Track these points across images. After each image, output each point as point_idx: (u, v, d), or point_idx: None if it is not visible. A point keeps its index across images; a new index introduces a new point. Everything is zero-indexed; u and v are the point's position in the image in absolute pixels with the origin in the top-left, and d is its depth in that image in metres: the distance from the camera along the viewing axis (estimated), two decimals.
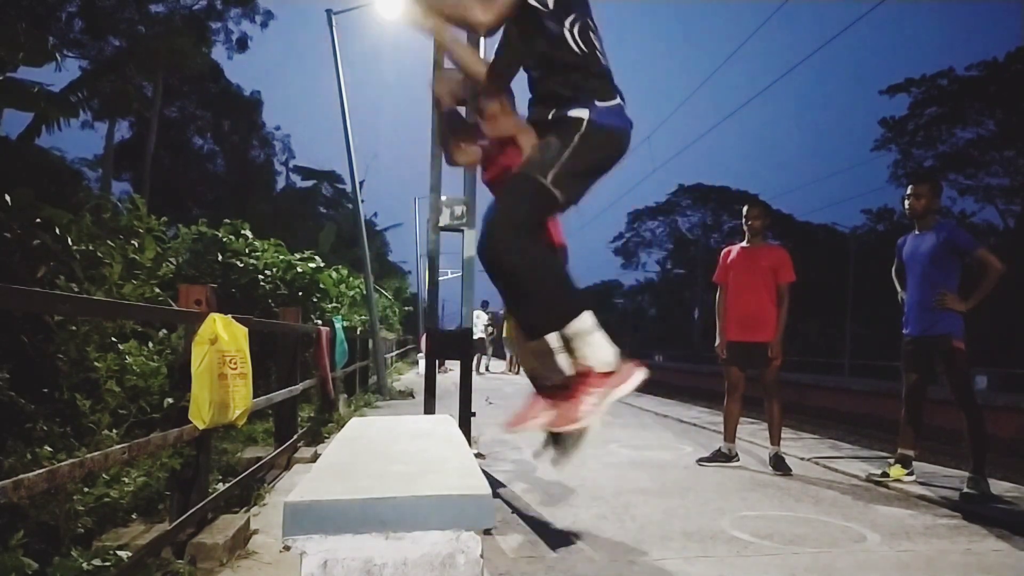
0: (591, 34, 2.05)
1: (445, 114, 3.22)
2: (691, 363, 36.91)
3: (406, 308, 31.72)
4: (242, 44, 28.94)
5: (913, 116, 33.55)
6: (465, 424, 4.43)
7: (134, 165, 25.48)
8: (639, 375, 1.89)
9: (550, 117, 2.03)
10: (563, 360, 1.96)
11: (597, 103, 1.98)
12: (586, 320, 1.84)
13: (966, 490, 3.81)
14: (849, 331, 28.77)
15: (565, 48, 1.99)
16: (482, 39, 4.93)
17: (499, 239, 1.86)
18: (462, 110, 3.33)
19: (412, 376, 15.98)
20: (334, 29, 10.27)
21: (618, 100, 2.05)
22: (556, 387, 1.98)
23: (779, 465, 4.55)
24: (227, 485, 3.44)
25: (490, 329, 17.21)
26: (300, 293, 8.19)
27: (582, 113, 1.96)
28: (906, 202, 4.26)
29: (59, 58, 10.93)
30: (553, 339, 1.89)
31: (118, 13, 24.72)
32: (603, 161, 2.03)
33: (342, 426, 3.96)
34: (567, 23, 2.00)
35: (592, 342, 1.84)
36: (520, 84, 2.29)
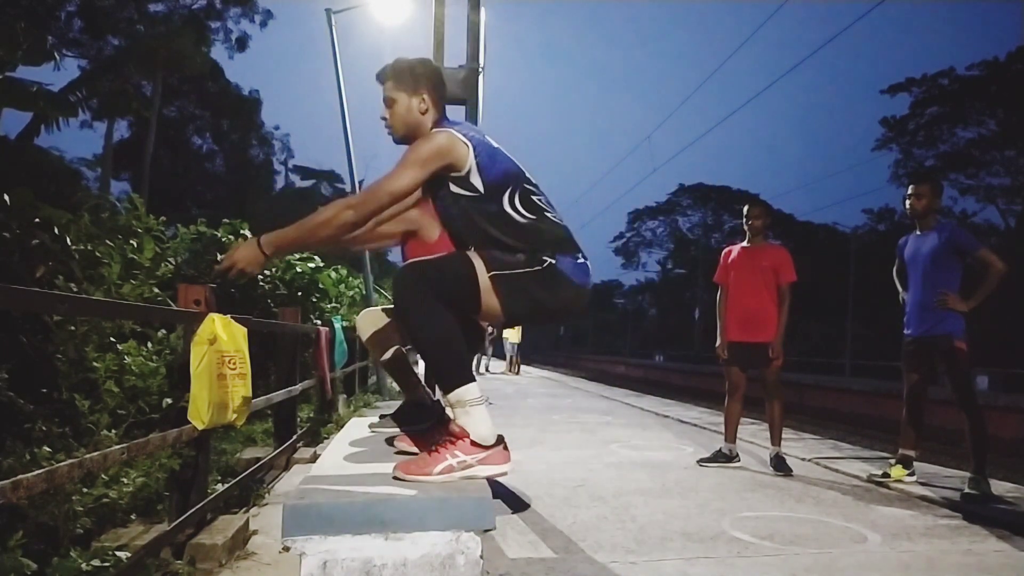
0: (533, 198, 2.02)
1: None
2: (691, 363, 36.91)
3: None
4: (242, 44, 28.97)
5: (914, 116, 33.56)
6: None
7: (133, 165, 25.48)
8: (506, 467, 1.91)
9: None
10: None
11: (559, 255, 1.97)
12: (472, 391, 1.86)
13: (967, 490, 3.80)
14: (850, 331, 28.76)
15: (510, 223, 1.97)
16: (481, 41, 4.91)
17: (403, 286, 1.87)
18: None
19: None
20: (333, 28, 10.26)
21: (580, 257, 2.03)
22: (431, 437, 1.99)
23: (780, 465, 4.54)
24: (226, 486, 3.44)
25: (490, 329, 17.21)
26: (299, 293, 8.19)
27: (548, 257, 1.95)
28: (907, 202, 4.25)
29: (58, 57, 10.93)
30: (450, 399, 1.90)
31: (117, 13, 24.73)
32: (553, 304, 1.98)
33: (342, 426, 3.95)
34: (505, 199, 1.98)
35: (473, 414, 1.85)
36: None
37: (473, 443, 1.81)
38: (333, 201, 1.96)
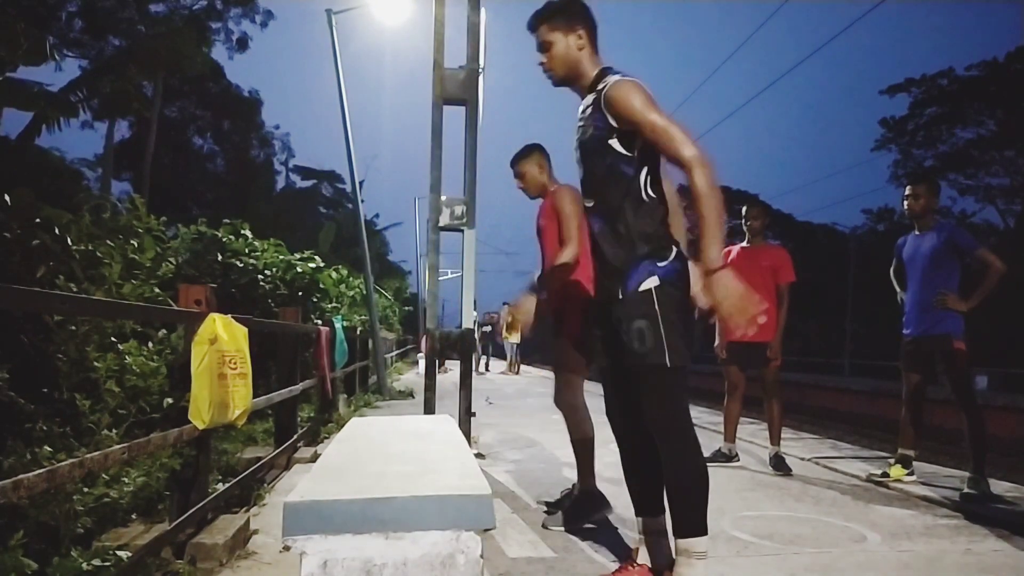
0: (663, 184, 2.08)
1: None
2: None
3: (406, 308, 31.73)
4: (242, 44, 28.95)
5: (913, 116, 33.54)
6: (465, 424, 4.43)
7: (134, 165, 25.47)
8: None
9: (620, 296, 2.06)
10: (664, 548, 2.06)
11: (658, 264, 2.01)
12: (702, 545, 1.92)
13: (966, 490, 3.81)
14: (849, 331, 28.77)
15: (637, 195, 2.02)
16: (481, 42, 4.91)
17: (668, 433, 1.99)
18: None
19: (412, 376, 15.98)
20: (334, 29, 10.26)
21: (674, 251, 2.08)
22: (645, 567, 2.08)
23: (779, 465, 4.54)
24: (227, 485, 3.44)
25: (485, 329, 17.21)
26: (300, 293, 8.19)
27: (651, 282, 1.99)
28: (905, 203, 4.26)
29: (58, 58, 10.93)
30: (679, 544, 1.97)
31: (118, 13, 24.72)
32: (685, 308, 2.06)
33: (342, 426, 3.96)
34: (644, 172, 2.03)
35: (694, 567, 1.91)
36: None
37: None
38: (690, 166, 1.91)
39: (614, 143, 1.99)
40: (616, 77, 2.02)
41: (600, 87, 2.03)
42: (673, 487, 1.99)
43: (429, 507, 1.53)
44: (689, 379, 2.10)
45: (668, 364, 1.96)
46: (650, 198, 2.04)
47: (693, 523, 1.94)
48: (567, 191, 3.16)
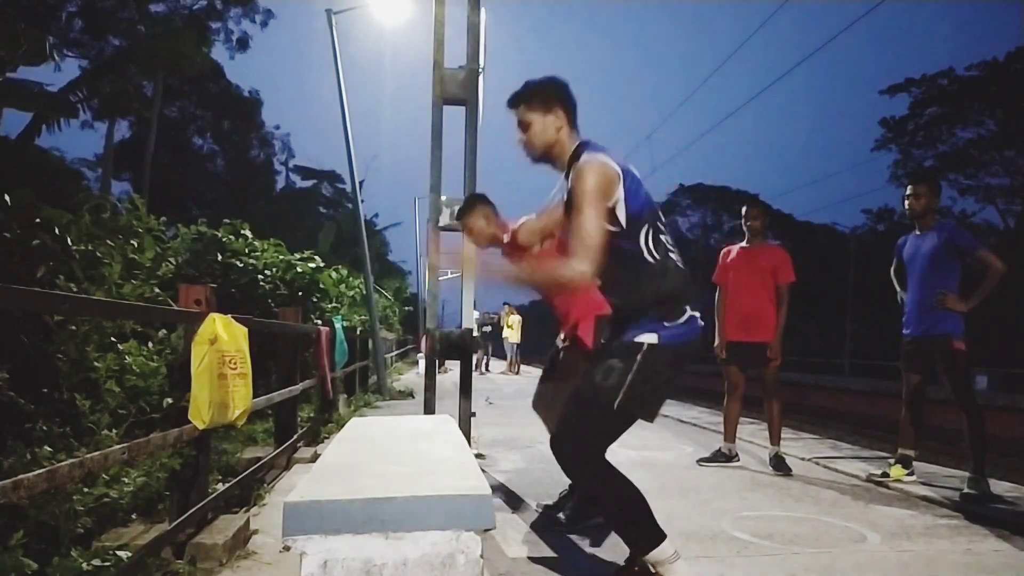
0: (662, 237, 2.04)
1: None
2: (691, 363, 36.83)
3: (406, 308, 31.72)
4: (242, 44, 28.96)
5: (913, 116, 33.56)
6: (465, 424, 4.43)
7: (134, 165, 25.47)
8: None
9: (618, 339, 2.05)
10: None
11: (665, 324, 1.99)
12: (667, 549, 1.91)
13: (966, 490, 3.81)
14: (849, 331, 28.77)
15: (642, 262, 1.99)
16: (481, 42, 4.92)
17: (570, 459, 1.96)
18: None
19: (412, 376, 15.97)
20: (334, 29, 10.26)
21: (687, 314, 2.05)
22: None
23: (779, 465, 4.54)
24: (227, 485, 3.44)
25: (485, 329, 17.20)
26: (300, 293, 8.19)
27: (648, 338, 1.97)
28: (905, 202, 4.26)
29: (58, 58, 10.93)
30: (648, 561, 1.96)
31: (118, 13, 24.72)
32: (671, 371, 2.05)
33: (342, 426, 3.96)
34: (642, 236, 1.99)
35: (674, 571, 1.90)
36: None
37: None
38: (557, 262, 1.98)
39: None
40: (586, 156, 2.02)
41: (574, 163, 2.05)
42: (606, 516, 2.02)
43: (429, 507, 1.53)
44: (619, 429, 2.06)
45: (615, 407, 1.95)
46: (656, 260, 2.02)
47: (643, 539, 1.94)
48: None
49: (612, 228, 1.95)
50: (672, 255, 2.05)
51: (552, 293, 2.29)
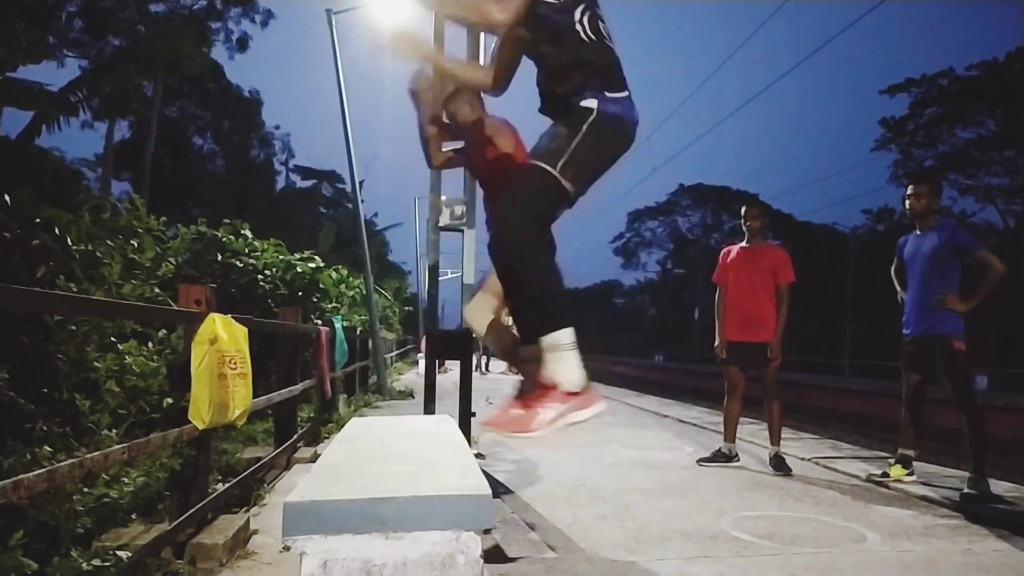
0: (600, 23, 2.04)
1: (425, 118, 3.19)
2: (691, 363, 36.91)
3: (406, 308, 31.73)
4: (242, 44, 28.95)
5: (913, 116, 33.57)
6: (465, 424, 4.43)
7: (134, 165, 25.47)
8: (599, 406, 1.88)
9: (559, 107, 2.03)
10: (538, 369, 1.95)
11: (607, 93, 1.98)
12: (567, 336, 1.84)
13: (966, 490, 3.81)
14: (849, 331, 28.78)
15: (576, 39, 1.99)
16: (481, 42, 4.92)
17: (510, 229, 1.86)
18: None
19: (412, 376, 15.98)
20: (334, 29, 10.27)
21: (626, 92, 2.05)
22: (523, 394, 1.97)
23: (779, 465, 4.54)
24: (227, 485, 3.44)
25: None
26: (300, 293, 8.19)
27: (591, 103, 1.95)
28: (906, 202, 4.26)
29: (58, 58, 10.92)
30: (543, 344, 1.88)
31: (118, 13, 24.72)
32: (611, 152, 2.02)
33: (342, 426, 3.96)
34: (577, 13, 2.00)
35: (565, 359, 1.83)
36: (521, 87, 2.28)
37: (566, 392, 1.80)
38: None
39: None
40: None
41: None
42: (525, 291, 1.92)
43: (429, 507, 1.53)
44: (554, 202, 1.97)
45: (556, 169, 1.91)
46: (591, 39, 2.02)
47: (550, 318, 1.86)
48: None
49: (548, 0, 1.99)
50: (609, 44, 2.06)
51: (460, 82, 2.23)
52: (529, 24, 2.01)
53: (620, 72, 2.07)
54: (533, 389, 1.86)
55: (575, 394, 1.81)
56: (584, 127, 1.94)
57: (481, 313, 2.60)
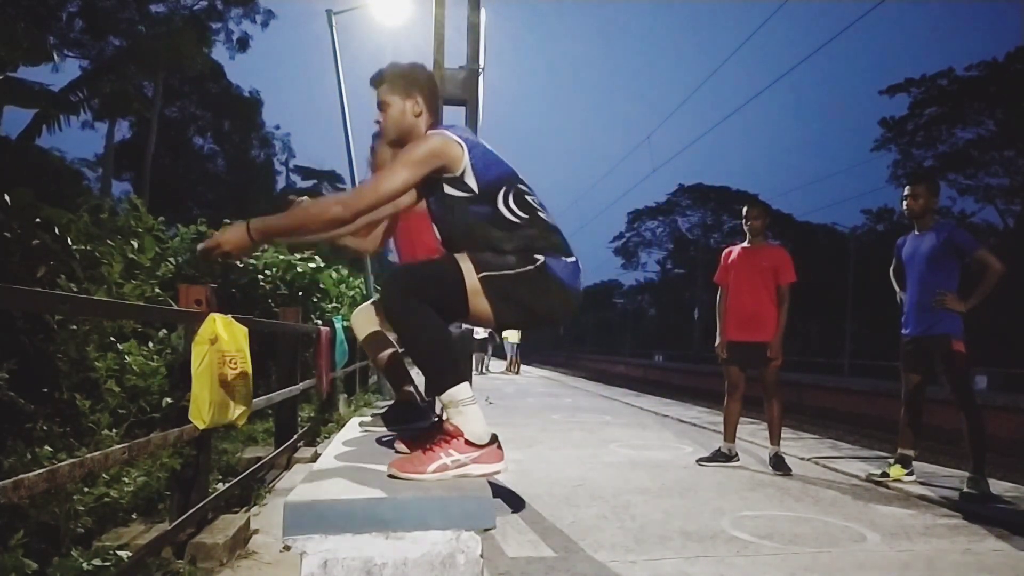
0: (527, 198, 2.00)
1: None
2: (691, 363, 36.91)
3: None
4: (242, 44, 28.95)
5: (913, 116, 33.56)
6: None
7: (134, 165, 25.49)
8: (500, 465, 1.88)
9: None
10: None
11: (549, 256, 1.94)
12: (463, 391, 1.85)
13: (966, 490, 3.81)
14: (849, 331, 28.78)
15: (504, 223, 1.95)
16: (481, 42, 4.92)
17: (391, 292, 1.86)
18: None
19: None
20: (334, 29, 10.27)
21: (574, 258, 2.01)
22: (425, 436, 1.98)
23: (779, 465, 4.55)
24: (227, 485, 3.44)
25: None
26: (300, 293, 8.19)
27: (539, 256, 1.92)
28: (904, 203, 4.26)
29: (58, 58, 10.95)
30: (442, 400, 1.89)
31: (118, 13, 24.73)
32: (543, 307, 1.96)
33: (342, 426, 3.96)
34: (499, 199, 1.96)
35: (466, 413, 1.84)
36: None
37: (467, 442, 1.81)
38: (324, 196, 1.95)
39: (450, 190, 1.97)
40: (429, 132, 2.03)
41: None
42: (412, 355, 1.92)
43: (429, 507, 1.53)
44: (452, 299, 1.91)
45: (475, 273, 1.89)
46: (522, 218, 1.97)
47: (443, 375, 1.86)
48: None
49: (463, 194, 1.96)
50: (542, 214, 2.02)
51: (316, 232, 2.17)
52: (457, 216, 1.98)
53: (562, 239, 2.02)
54: (436, 434, 1.88)
55: (478, 446, 1.82)
56: (530, 266, 1.90)
57: (366, 320, 2.60)
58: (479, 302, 1.90)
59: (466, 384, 1.87)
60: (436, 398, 1.95)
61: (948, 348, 3.95)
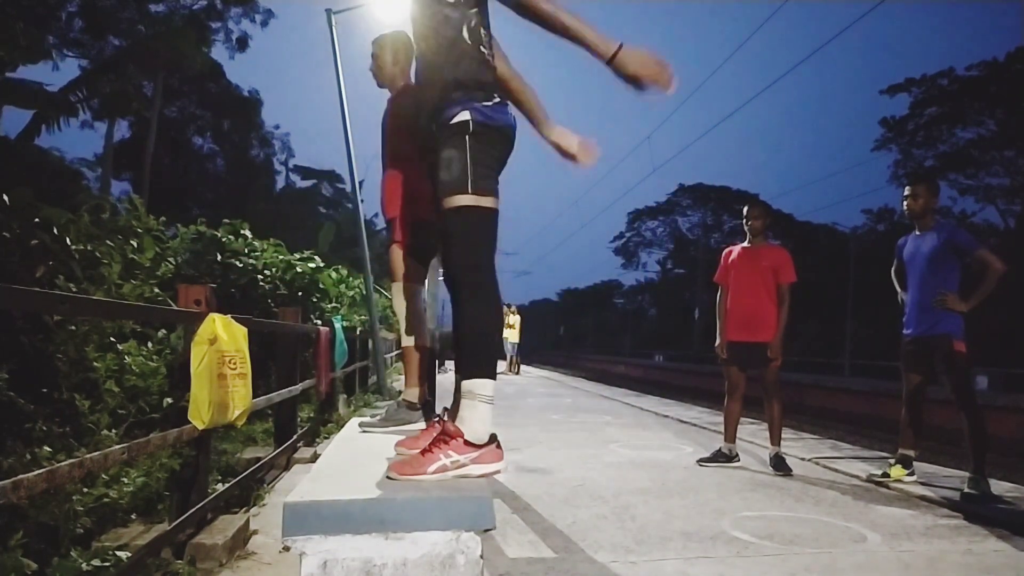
0: (482, 31, 2.01)
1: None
2: (691, 363, 36.91)
3: None
4: (242, 44, 28.94)
5: (913, 116, 33.56)
6: None
7: (134, 165, 25.48)
8: (499, 465, 1.87)
9: (435, 129, 2.01)
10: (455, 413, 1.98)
11: (476, 104, 1.94)
12: (486, 388, 1.85)
13: (967, 490, 3.81)
14: (849, 331, 28.76)
15: (459, 40, 1.96)
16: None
17: (467, 292, 1.89)
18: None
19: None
20: (334, 29, 10.26)
21: (497, 98, 2.01)
22: (425, 436, 1.99)
23: (779, 465, 4.54)
24: (227, 485, 3.44)
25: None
26: (300, 293, 8.19)
27: (463, 116, 1.92)
28: (904, 203, 4.26)
29: (57, 58, 10.94)
30: (463, 387, 1.89)
31: (118, 13, 24.72)
32: (500, 155, 2.00)
33: (342, 426, 3.95)
34: (471, 16, 1.97)
35: (477, 409, 1.84)
36: None
37: (467, 442, 1.80)
38: None
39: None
40: None
41: None
42: (462, 330, 1.93)
43: (429, 507, 1.53)
44: (492, 225, 1.94)
45: (469, 191, 1.89)
46: (479, 52, 1.99)
47: (478, 365, 1.87)
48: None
49: None
50: (484, 49, 2.01)
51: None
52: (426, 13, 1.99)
53: (493, 82, 2.03)
54: (435, 434, 1.88)
55: (476, 446, 1.81)
56: (467, 140, 1.91)
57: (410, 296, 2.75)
58: (490, 197, 1.92)
59: (493, 383, 1.87)
60: (458, 382, 1.94)
61: (949, 348, 3.94)
